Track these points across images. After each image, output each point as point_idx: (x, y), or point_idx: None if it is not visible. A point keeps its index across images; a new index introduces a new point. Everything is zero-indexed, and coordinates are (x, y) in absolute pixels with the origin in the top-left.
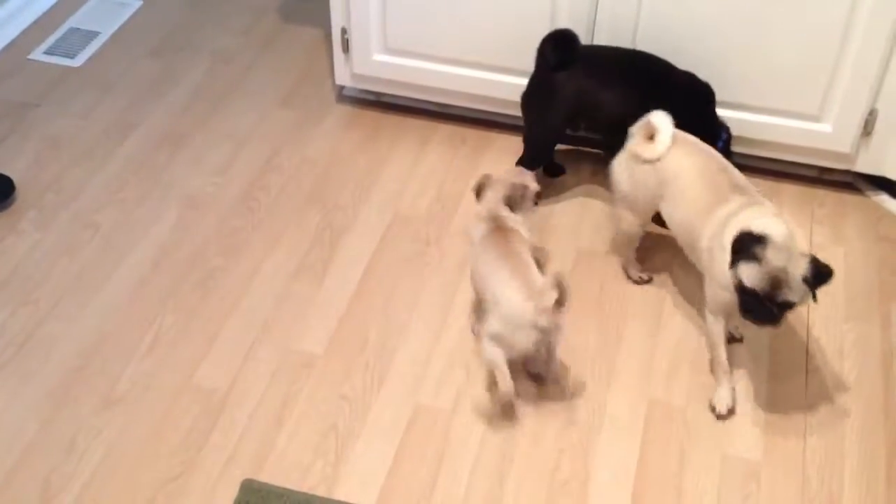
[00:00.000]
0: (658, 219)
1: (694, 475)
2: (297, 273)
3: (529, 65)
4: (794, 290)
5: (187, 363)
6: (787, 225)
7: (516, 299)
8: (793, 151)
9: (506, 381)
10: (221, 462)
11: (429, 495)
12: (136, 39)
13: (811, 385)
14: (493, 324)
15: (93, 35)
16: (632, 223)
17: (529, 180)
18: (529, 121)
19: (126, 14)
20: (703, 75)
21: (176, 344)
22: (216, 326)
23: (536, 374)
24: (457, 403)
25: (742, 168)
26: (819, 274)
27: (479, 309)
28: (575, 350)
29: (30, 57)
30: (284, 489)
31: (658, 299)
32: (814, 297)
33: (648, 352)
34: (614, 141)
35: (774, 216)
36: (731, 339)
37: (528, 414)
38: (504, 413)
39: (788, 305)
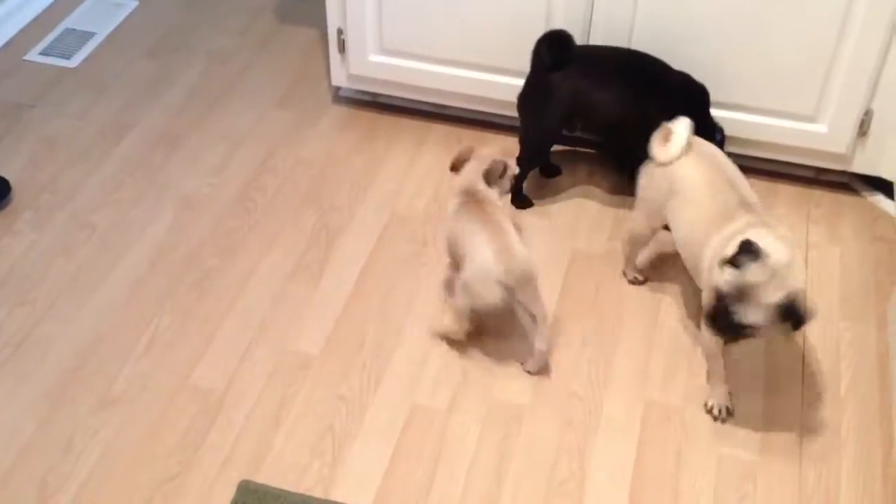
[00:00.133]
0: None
1: (690, 475)
2: (294, 273)
3: (525, 65)
4: (759, 312)
5: (184, 363)
6: (793, 253)
7: (488, 256)
8: (789, 152)
9: (460, 328)
10: (218, 462)
11: (426, 496)
12: (131, 40)
13: (807, 385)
14: (464, 273)
15: (88, 36)
16: (642, 226)
17: (510, 161)
18: (526, 121)
19: (122, 15)
20: (698, 76)
21: (172, 344)
22: (213, 327)
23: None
24: (453, 403)
25: (738, 169)
26: (791, 309)
27: (450, 286)
28: (571, 350)
29: (25, 57)
30: (281, 490)
31: (654, 300)
32: (792, 328)
33: (645, 352)
34: (610, 141)
35: (779, 239)
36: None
37: (525, 414)
38: (442, 339)
39: (748, 324)
